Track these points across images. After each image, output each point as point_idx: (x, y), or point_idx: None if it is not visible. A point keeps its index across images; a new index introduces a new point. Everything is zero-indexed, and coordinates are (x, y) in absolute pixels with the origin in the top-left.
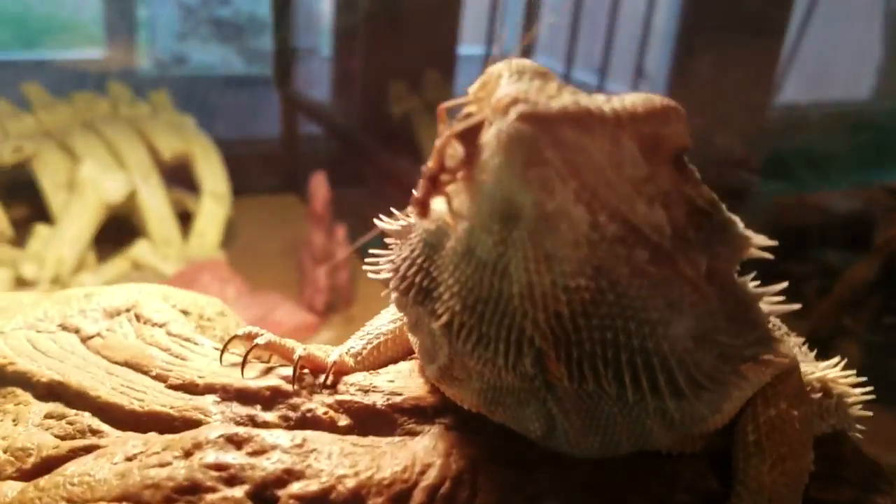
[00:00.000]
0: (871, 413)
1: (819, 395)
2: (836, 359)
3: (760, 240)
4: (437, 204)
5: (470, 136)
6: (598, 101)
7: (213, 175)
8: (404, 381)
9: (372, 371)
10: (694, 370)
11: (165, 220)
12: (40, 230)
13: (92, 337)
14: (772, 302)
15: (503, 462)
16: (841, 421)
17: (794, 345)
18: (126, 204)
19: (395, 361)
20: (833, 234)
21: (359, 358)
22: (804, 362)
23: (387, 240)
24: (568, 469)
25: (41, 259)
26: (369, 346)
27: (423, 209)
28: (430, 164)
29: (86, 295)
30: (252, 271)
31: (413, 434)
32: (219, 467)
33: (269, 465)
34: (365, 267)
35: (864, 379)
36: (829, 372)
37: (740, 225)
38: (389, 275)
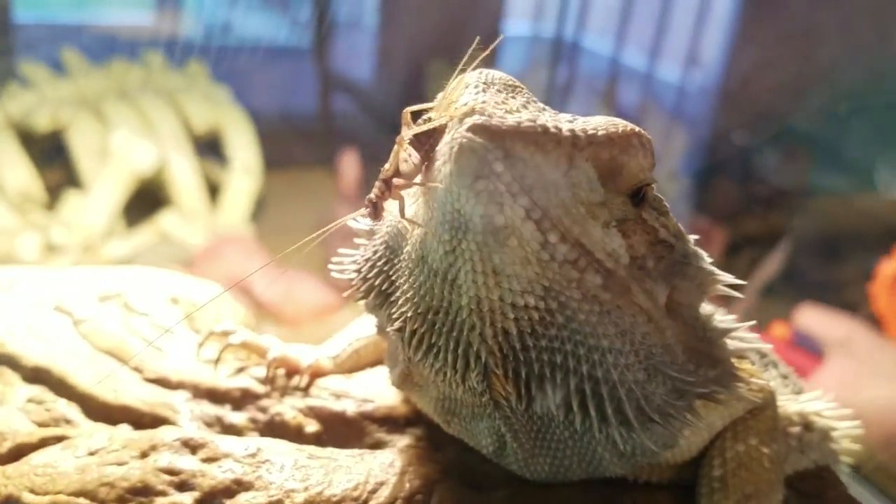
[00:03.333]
0: (859, 447)
1: (799, 428)
2: (820, 391)
3: (727, 277)
4: (393, 207)
5: (429, 143)
6: (559, 121)
7: (243, 148)
8: (380, 387)
9: (348, 375)
10: (644, 402)
11: (194, 192)
12: (71, 196)
13: (83, 322)
14: (742, 339)
15: (460, 482)
16: (825, 456)
17: (779, 375)
18: (156, 174)
19: (375, 366)
20: None
21: (337, 361)
22: (784, 395)
23: (356, 240)
24: (525, 494)
25: (71, 225)
26: (349, 349)
27: (376, 211)
28: (387, 166)
29: (82, 276)
30: (279, 246)
31: (381, 444)
32: (171, 472)
33: (220, 473)
34: (330, 266)
35: (850, 411)
36: (812, 405)
37: (706, 260)
38: (353, 276)
